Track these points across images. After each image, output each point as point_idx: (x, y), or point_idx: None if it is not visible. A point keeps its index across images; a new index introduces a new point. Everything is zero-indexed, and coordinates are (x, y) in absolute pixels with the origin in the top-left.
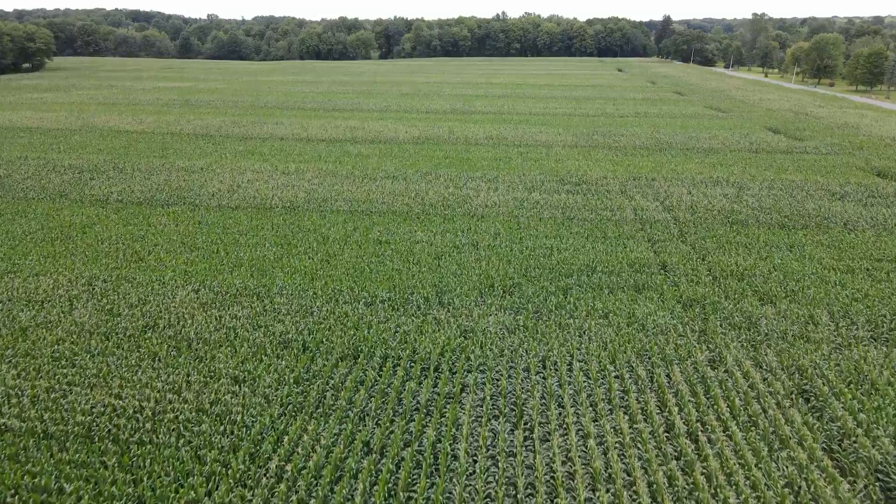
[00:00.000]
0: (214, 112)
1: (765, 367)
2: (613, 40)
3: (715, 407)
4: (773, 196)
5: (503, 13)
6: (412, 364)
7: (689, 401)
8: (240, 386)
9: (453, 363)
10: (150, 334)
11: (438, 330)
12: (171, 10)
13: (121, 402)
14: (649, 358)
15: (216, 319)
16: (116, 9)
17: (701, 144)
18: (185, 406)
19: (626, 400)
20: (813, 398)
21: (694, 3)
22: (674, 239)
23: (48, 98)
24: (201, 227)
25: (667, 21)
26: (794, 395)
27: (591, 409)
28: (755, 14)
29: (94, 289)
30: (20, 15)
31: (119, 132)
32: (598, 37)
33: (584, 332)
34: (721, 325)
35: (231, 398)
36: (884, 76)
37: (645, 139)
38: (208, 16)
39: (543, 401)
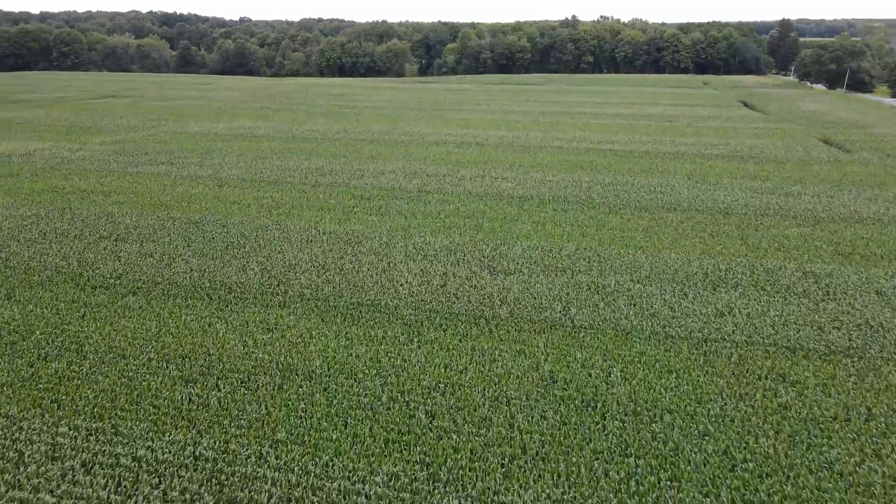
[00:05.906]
0: None
1: None
2: (716, 52)
3: None
4: None
5: (573, 17)
6: None
7: None
8: None
9: None
10: None
11: None
12: (208, 12)
13: None
14: None
15: None
16: (151, 11)
17: None
18: None
19: None
20: None
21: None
22: None
23: None
24: None
25: (785, 26)
26: None
27: None
28: None
29: None
30: (40, 17)
31: None
32: (695, 47)
33: None
34: None
35: None
36: None
37: None
38: (241, 19)
39: None
